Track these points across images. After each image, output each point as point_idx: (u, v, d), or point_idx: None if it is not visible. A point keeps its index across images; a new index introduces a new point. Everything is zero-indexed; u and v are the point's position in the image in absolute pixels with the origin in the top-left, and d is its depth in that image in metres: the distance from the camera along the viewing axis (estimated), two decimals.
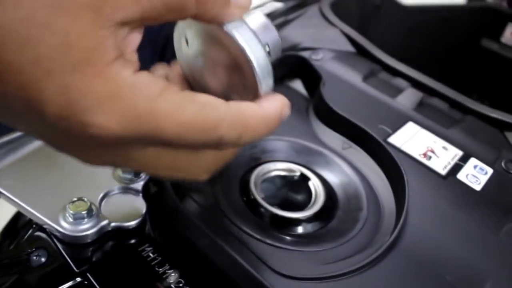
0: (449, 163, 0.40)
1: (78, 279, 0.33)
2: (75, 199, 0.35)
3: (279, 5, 0.58)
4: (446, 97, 0.47)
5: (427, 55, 0.68)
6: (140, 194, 0.38)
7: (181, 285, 0.34)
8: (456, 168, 0.40)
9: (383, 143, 0.39)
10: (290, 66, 0.48)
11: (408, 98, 0.46)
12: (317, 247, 0.35)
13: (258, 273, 0.31)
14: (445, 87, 0.48)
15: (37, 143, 0.39)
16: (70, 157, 0.24)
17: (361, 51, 0.51)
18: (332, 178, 0.39)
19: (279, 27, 0.52)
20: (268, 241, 0.34)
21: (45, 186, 0.37)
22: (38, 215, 0.35)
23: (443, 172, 0.39)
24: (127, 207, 0.37)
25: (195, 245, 0.35)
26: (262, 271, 0.31)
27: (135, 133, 0.21)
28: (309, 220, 0.37)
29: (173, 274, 0.34)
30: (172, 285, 0.33)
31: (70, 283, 0.33)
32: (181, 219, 0.35)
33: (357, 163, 0.40)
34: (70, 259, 0.34)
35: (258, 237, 0.34)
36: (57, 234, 0.34)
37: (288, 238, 0.35)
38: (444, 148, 0.42)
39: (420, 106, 0.46)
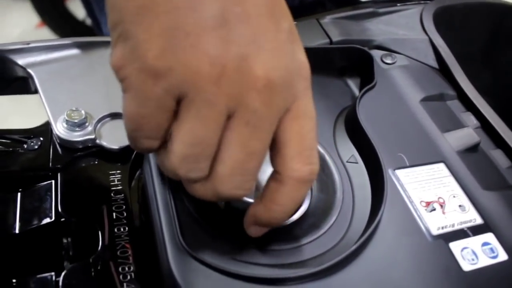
0: (452, 225, 0.33)
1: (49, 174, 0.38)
2: (74, 108, 0.39)
3: None
4: None
5: None
6: None
7: (124, 214, 0.35)
8: (457, 235, 0.32)
9: (384, 170, 0.34)
10: (354, 60, 0.44)
11: (461, 138, 0.38)
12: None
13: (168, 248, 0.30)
14: None
15: (78, 51, 0.44)
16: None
17: (443, 70, 0.44)
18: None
19: (368, 15, 0.47)
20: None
21: (68, 90, 0.41)
22: (48, 111, 0.40)
23: (434, 231, 0.32)
24: (122, 132, 0.40)
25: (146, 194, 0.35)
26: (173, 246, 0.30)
27: None
28: None
29: (122, 202, 0.36)
30: (114, 213, 0.35)
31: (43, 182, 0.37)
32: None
33: (353, 179, 0.36)
34: (52, 156, 0.38)
35: (195, 215, 0.33)
36: (53, 131, 0.39)
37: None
38: (462, 207, 0.34)
39: (471, 152, 0.38)
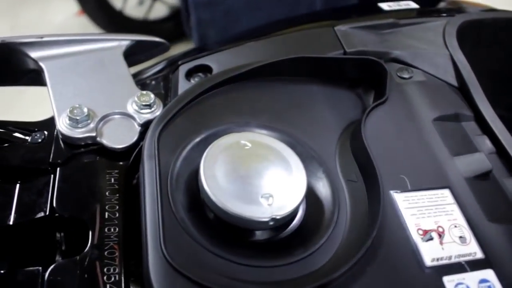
0: (449, 257, 0.31)
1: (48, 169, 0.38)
2: (78, 105, 0.39)
3: (414, 6, 0.49)
4: None
5: None
6: (139, 127, 0.40)
7: (116, 215, 0.35)
8: (453, 269, 0.30)
9: (381, 192, 0.32)
10: (368, 72, 0.42)
11: (472, 164, 0.36)
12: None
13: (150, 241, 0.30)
14: None
15: (89, 47, 0.44)
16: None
17: (462, 88, 0.41)
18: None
19: (388, 26, 0.45)
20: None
21: (74, 86, 0.42)
22: (53, 105, 0.40)
23: (428, 262, 0.30)
24: (123, 133, 0.40)
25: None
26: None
27: None
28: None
29: (116, 203, 0.36)
30: (107, 213, 0.35)
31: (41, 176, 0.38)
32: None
33: (351, 198, 0.34)
34: (54, 151, 0.39)
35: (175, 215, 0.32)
36: (56, 127, 0.39)
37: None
38: (462, 238, 0.32)
39: (481, 179, 0.35)
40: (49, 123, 0.41)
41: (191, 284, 0.28)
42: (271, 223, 0.31)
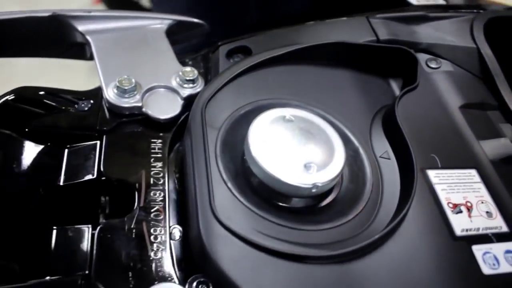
0: (477, 229, 0.33)
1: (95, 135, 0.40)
2: (125, 76, 0.41)
3: (441, 1, 0.52)
4: None
5: None
6: (182, 101, 0.42)
7: (161, 181, 0.37)
8: (480, 239, 0.33)
9: (415, 168, 0.34)
10: (399, 60, 0.44)
11: (497, 148, 0.38)
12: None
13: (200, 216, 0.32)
14: None
15: (134, 23, 0.46)
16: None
17: (487, 79, 0.43)
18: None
19: (418, 19, 0.47)
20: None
21: (121, 59, 0.44)
22: (101, 76, 0.42)
23: (458, 232, 0.33)
24: (166, 105, 0.42)
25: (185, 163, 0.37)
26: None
27: None
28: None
29: (160, 169, 0.38)
30: (152, 178, 0.37)
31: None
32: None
33: (384, 173, 0.37)
34: (100, 119, 0.41)
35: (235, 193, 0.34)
36: (103, 96, 0.41)
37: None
38: (489, 213, 0.34)
39: (506, 163, 0.38)
40: (95, 93, 0.43)
41: (242, 243, 0.30)
42: (314, 190, 0.33)
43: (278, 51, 0.41)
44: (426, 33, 0.46)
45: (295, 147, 0.35)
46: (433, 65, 0.44)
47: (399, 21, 0.46)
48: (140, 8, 1.44)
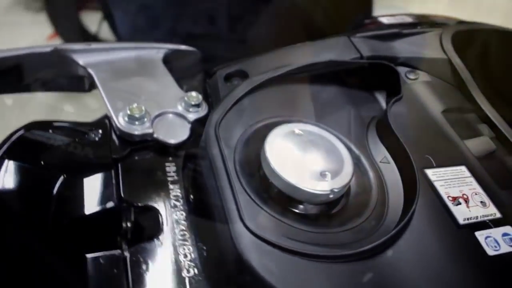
0: (476, 217, 0.37)
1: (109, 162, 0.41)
2: (136, 104, 0.43)
3: (407, 19, 0.57)
4: None
5: None
6: (190, 124, 0.44)
7: (180, 201, 0.39)
8: (480, 226, 0.37)
9: (416, 169, 0.38)
10: (382, 74, 0.49)
11: (479, 145, 0.43)
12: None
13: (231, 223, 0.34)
14: None
15: (132, 54, 0.48)
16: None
17: (461, 86, 0.49)
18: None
19: (393, 36, 0.52)
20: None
21: (125, 88, 0.45)
22: (108, 106, 0.44)
23: (461, 221, 0.37)
24: (175, 130, 0.44)
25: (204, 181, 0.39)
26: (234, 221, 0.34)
27: None
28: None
29: (178, 191, 0.40)
30: (172, 200, 0.39)
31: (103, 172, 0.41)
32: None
33: (386, 177, 0.40)
34: (112, 147, 0.42)
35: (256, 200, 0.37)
36: (113, 125, 0.42)
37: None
38: (483, 203, 0.39)
39: (488, 158, 0.43)
40: (101, 122, 0.45)
41: (275, 249, 0.33)
42: (331, 195, 0.36)
43: (276, 72, 0.45)
44: (402, 48, 0.51)
45: (308, 157, 0.38)
46: (412, 77, 0.49)
47: (377, 39, 0.51)
48: (99, 41, 1.44)
